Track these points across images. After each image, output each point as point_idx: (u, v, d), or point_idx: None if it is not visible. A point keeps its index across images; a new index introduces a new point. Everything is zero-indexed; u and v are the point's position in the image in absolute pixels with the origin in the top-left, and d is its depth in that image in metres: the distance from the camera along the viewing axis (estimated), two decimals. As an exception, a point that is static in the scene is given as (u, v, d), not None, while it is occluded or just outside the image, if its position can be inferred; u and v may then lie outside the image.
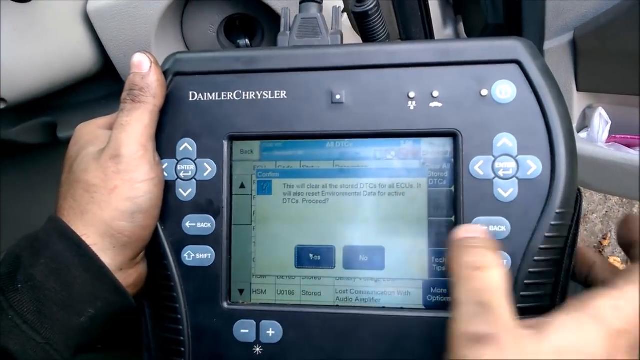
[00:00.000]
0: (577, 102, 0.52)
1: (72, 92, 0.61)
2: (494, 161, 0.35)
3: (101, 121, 0.40)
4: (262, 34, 0.54)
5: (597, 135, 0.53)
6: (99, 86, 0.61)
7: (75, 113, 0.62)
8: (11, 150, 0.65)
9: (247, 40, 0.52)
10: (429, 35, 0.56)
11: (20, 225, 0.68)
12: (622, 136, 0.53)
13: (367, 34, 0.43)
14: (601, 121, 0.53)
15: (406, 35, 0.55)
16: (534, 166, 0.35)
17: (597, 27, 0.46)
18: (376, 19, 0.42)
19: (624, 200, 1.72)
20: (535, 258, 0.34)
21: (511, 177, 0.35)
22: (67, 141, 0.59)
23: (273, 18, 0.51)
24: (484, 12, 0.57)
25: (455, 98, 0.36)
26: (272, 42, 0.54)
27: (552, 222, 0.34)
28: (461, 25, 0.67)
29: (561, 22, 0.48)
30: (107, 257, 0.35)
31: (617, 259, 1.69)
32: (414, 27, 0.54)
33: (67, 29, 0.52)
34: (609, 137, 0.53)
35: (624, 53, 0.45)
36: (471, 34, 0.64)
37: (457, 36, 0.65)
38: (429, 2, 0.53)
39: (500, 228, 0.35)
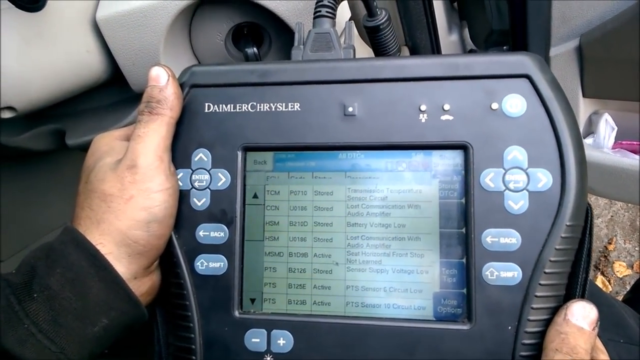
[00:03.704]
0: (583, 108, 0.53)
1: (80, 100, 0.61)
2: (504, 174, 0.35)
3: (118, 133, 0.41)
4: (270, 42, 0.54)
5: (602, 142, 0.53)
6: (107, 93, 0.61)
7: (84, 120, 0.62)
8: (20, 156, 0.65)
9: (255, 49, 0.52)
10: (434, 40, 0.56)
11: (29, 231, 0.68)
12: (628, 142, 0.53)
13: (379, 47, 0.44)
14: (607, 127, 0.53)
15: (411, 41, 0.55)
16: (544, 179, 0.35)
17: (603, 33, 0.46)
18: (387, 33, 0.43)
19: (630, 205, 1.73)
20: (546, 270, 0.34)
21: (522, 190, 0.35)
22: (75, 148, 0.61)
23: (281, 27, 0.51)
24: (489, 18, 0.58)
25: (466, 111, 0.36)
26: (279, 50, 0.54)
27: (563, 235, 0.34)
28: (466, 31, 0.68)
29: (567, 28, 0.48)
30: (122, 265, 0.36)
31: (622, 264, 1.69)
32: (419, 32, 0.54)
33: (76, 37, 0.52)
34: (614, 143, 0.54)
35: (630, 59, 0.45)
36: (476, 39, 0.64)
37: (462, 41, 0.66)
38: (434, 7, 0.54)
39: (510, 240, 0.35)
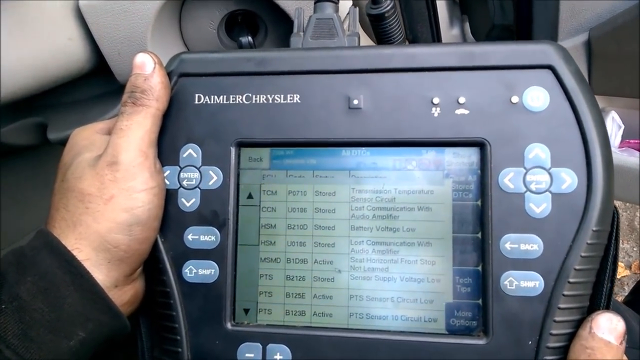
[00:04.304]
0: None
1: (63, 91, 0.58)
2: (525, 173, 0.33)
3: (99, 126, 0.39)
4: (266, 31, 0.52)
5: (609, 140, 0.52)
6: (92, 85, 0.59)
7: (67, 113, 0.60)
8: (-1, 152, 0.63)
9: (249, 38, 0.50)
10: (435, 34, 0.55)
11: (8, 231, 0.66)
12: (636, 141, 0.53)
13: (383, 37, 0.42)
14: (614, 125, 0.52)
15: (412, 35, 0.54)
16: (569, 179, 0.33)
17: (613, 28, 0.45)
18: (393, 22, 0.41)
19: (627, 204, 1.72)
20: (570, 280, 0.32)
21: (544, 191, 0.33)
22: (57, 142, 0.58)
23: (277, 14, 0.49)
24: (491, 13, 0.56)
25: (483, 105, 0.34)
26: (275, 39, 0.52)
27: (589, 241, 0.32)
28: (467, 26, 0.66)
29: (575, 22, 0.47)
30: (101, 273, 0.33)
31: (620, 264, 1.69)
32: (420, 25, 0.53)
33: (57, 24, 0.50)
34: (621, 141, 0.53)
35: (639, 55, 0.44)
36: (477, 34, 0.63)
37: (464, 36, 0.64)
38: (437, 1, 0.52)
39: (531, 247, 0.33)
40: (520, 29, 0.51)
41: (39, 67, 0.50)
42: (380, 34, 0.42)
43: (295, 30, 0.40)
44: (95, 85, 0.59)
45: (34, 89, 0.52)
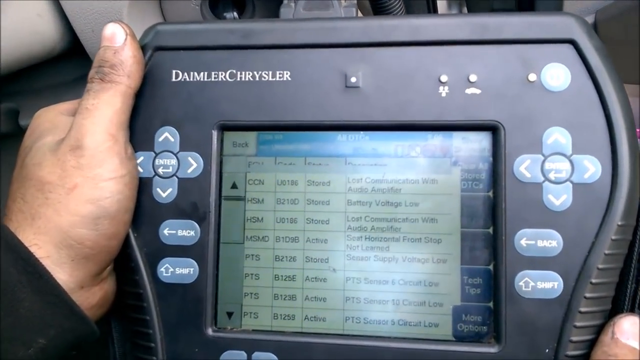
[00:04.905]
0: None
1: (36, 75, 0.57)
2: (543, 161, 0.31)
3: (65, 106, 0.36)
4: (253, 6, 0.50)
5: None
6: (67, 68, 0.58)
7: (40, 98, 0.58)
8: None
9: (234, 13, 0.49)
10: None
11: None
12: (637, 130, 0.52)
13: (381, 12, 0.39)
14: None
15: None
16: (592, 168, 0.31)
17: (620, 11, 0.43)
18: None
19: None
20: (593, 280, 0.30)
21: (564, 181, 0.31)
22: None
23: None
24: None
25: (497, 83, 0.32)
26: (264, 16, 0.51)
27: (613, 237, 0.30)
28: (465, 10, 0.65)
29: (581, 4, 0.45)
30: (64, 272, 0.31)
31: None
32: (417, 8, 0.51)
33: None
34: None
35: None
36: None
37: None
38: None
39: (550, 243, 0.31)
40: (522, 10, 0.49)
41: (5, 46, 0.48)
42: (378, 9, 0.40)
43: (285, 0, 0.37)
44: (71, 68, 0.58)
45: (1, 71, 0.50)
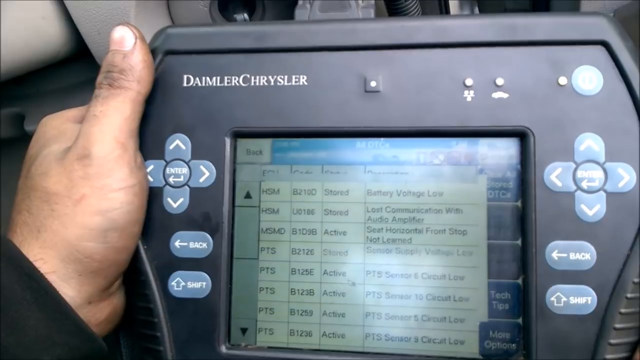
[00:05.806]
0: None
1: (42, 79, 0.57)
2: (575, 169, 0.30)
3: (71, 113, 0.35)
4: (263, 8, 0.49)
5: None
6: (73, 71, 0.57)
7: (46, 103, 0.58)
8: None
9: (245, 15, 0.48)
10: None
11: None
12: None
13: (396, 12, 0.38)
14: None
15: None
16: (626, 176, 0.30)
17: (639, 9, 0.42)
18: None
19: None
20: (628, 295, 0.29)
21: (597, 190, 0.30)
22: None
23: None
24: None
25: (526, 87, 0.31)
26: (276, 18, 0.50)
27: None
28: (477, 10, 0.65)
29: (598, 3, 0.44)
30: (71, 288, 0.30)
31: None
32: (430, 9, 0.50)
33: (29, 1, 0.47)
34: None
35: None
36: None
37: None
38: None
39: (583, 256, 0.30)
40: (537, 10, 0.49)
41: (9, 50, 0.48)
42: (394, 10, 0.39)
43: (300, 1, 0.36)
44: (77, 72, 0.57)
45: (4, 76, 0.49)
